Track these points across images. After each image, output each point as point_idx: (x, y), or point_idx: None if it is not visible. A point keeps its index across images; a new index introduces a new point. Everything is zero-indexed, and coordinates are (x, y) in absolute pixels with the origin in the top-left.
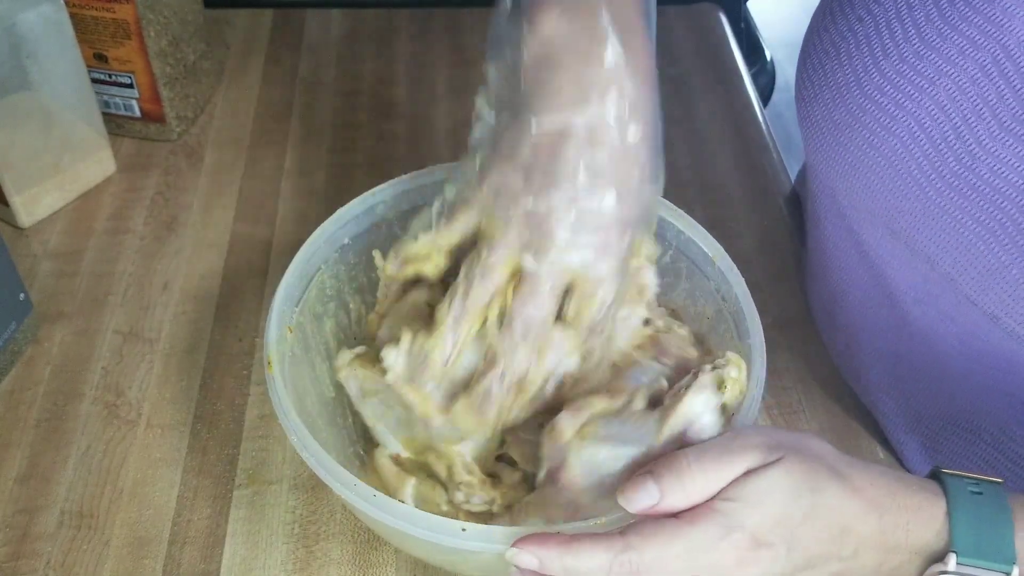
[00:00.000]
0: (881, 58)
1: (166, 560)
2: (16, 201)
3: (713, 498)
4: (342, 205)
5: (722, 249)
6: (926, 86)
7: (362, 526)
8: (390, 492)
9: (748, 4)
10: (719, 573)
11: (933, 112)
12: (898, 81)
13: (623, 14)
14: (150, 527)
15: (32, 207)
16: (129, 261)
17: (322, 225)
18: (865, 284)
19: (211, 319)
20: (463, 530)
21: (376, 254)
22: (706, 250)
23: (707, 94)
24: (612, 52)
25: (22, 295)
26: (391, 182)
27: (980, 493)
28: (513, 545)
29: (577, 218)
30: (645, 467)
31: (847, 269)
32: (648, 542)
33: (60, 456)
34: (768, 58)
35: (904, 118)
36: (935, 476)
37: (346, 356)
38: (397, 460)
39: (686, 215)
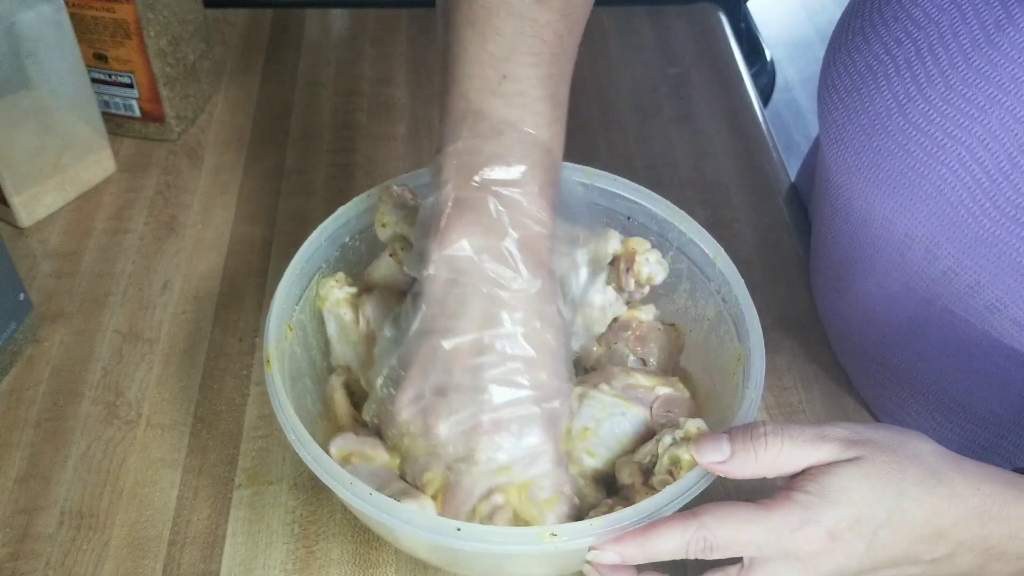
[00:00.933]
0: (926, 85)
1: (166, 560)
2: (16, 201)
3: (791, 488)
4: (342, 205)
5: (722, 250)
6: (976, 115)
7: (362, 526)
8: (338, 422)
9: (748, 4)
10: (790, 561)
11: (985, 141)
12: (945, 109)
13: (530, 239)
14: (150, 527)
15: (32, 207)
16: (129, 261)
17: (323, 223)
18: (891, 307)
19: (211, 319)
20: (458, 530)
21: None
22: (706, 251)
23: (707, 94)
24: (520, 279)
25: (22, 295)
26: (393, 180)
27: None
28: (591, 549)
29: (502, 428)
30: (726, 428)
31: (872, 291)
32: (722, 523)
33: (60, 456)
34: (768, 58)
35: (953, 147)
36: None
37: (335, 294)
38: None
39: (687, 215)
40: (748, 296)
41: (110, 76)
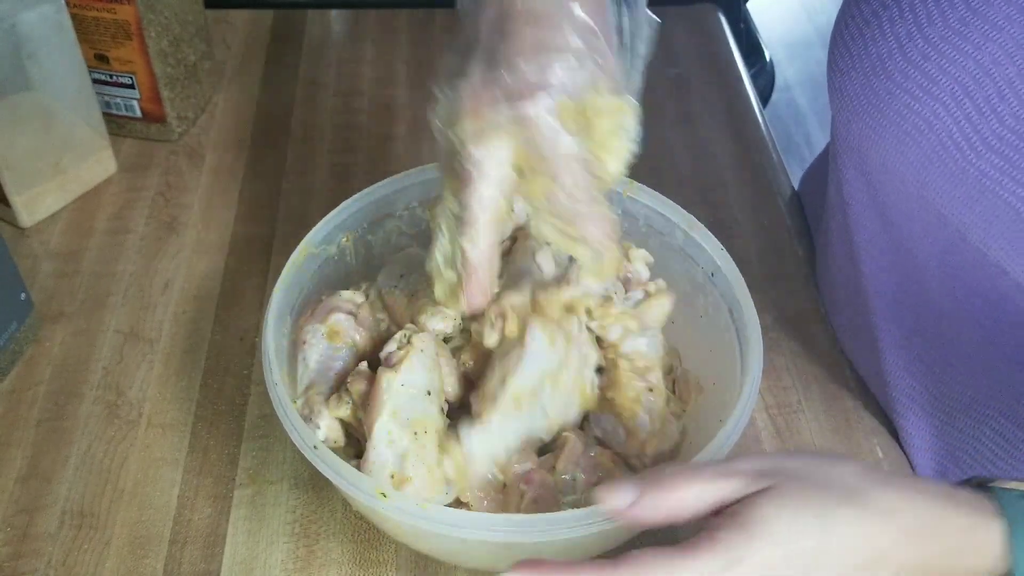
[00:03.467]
0: (925, 24)
1: (167, 560)
2: (17, 201)
3: (713, 528)
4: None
5: (730, 258)
6: (971, 50)
7: (363, 525)
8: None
9: (748, 4)
10: None
11: (977, 75)
12: (942, 46)
13: None
14: (151, 527)
15: (33, 207)
16: (130, 261)
17: (345, 202)
18: (888, 264)
19: (211, 319)
20: (383, 495)
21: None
22: (720, 263)
23: (707, 94)
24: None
25: (23, 295)
26: (420, 168)
27: None
28: (512, 569)
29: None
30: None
31: (870, 249)
32: (645, 573)
33: (61, 456)
34: (768, 58)
35: (947, 81)
36: (981, 486)
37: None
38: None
39: (715, 240)
40: (756, 320)
41: (111, 77)
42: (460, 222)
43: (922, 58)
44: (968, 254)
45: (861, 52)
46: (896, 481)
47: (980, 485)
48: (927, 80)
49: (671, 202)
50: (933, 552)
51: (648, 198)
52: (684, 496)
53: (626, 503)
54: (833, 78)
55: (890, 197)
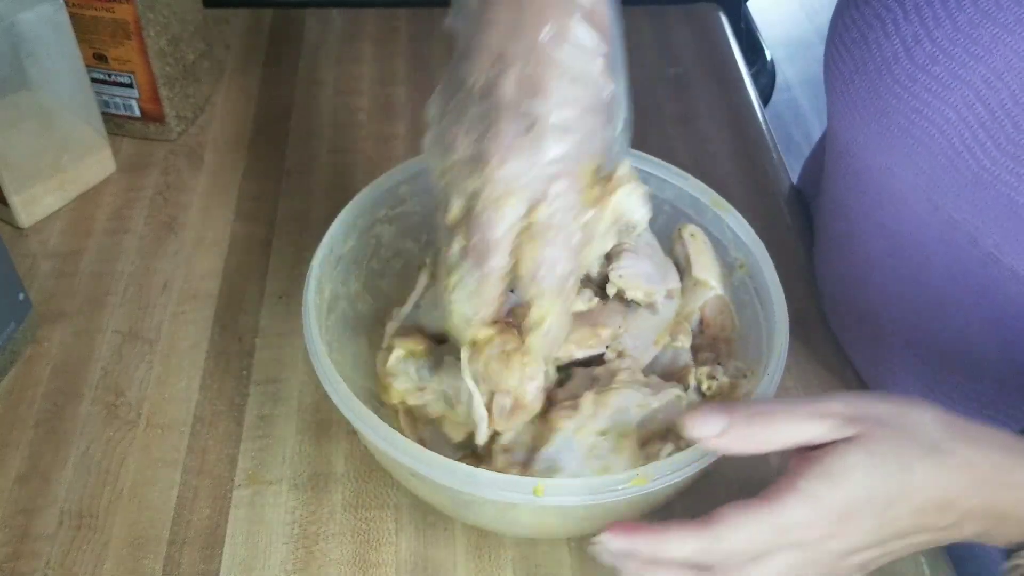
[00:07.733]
0: (933, 26)
1: (166, 560)
2: (16, 201)
3: (794, 474)
4: (342, 206)
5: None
6: (982, 54)
7: (362, 526)
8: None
9: (748, 4)
10: (805, 546)
11: (989, 79)
12: (951, 49)
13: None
14: (150, 527)
15: (32, 207)
16: (129, 261)
17: (404, 164)
18: (891, 265)
19: (211, 319)
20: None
21: None
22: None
23: (707, 94)
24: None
25: (21, 295)
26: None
27: None
28: (606, 530)
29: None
30: (721, 404)
31: (872, 251)
32: (737, 532)
33: (60, 456)
34: (768, 58)
35: (958, 86)
36: None
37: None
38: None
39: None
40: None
41: (110, 76)
42: (471, 287)
43: (931, 61)
44: (978, 257)
45: (864, 55)
46: (973, 432)
47: None
48: (936, 84)
49: (746, 225)
50: (998, 500)
51: (732, 221)
52: (776, 432)
53: (715, 432)
54: (832, 81)
55: (892, 202)
